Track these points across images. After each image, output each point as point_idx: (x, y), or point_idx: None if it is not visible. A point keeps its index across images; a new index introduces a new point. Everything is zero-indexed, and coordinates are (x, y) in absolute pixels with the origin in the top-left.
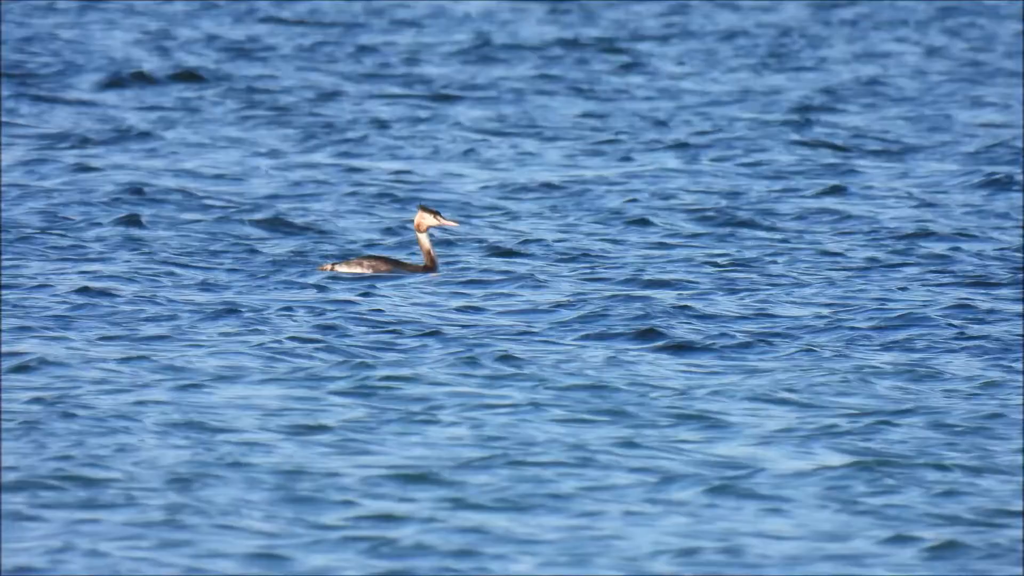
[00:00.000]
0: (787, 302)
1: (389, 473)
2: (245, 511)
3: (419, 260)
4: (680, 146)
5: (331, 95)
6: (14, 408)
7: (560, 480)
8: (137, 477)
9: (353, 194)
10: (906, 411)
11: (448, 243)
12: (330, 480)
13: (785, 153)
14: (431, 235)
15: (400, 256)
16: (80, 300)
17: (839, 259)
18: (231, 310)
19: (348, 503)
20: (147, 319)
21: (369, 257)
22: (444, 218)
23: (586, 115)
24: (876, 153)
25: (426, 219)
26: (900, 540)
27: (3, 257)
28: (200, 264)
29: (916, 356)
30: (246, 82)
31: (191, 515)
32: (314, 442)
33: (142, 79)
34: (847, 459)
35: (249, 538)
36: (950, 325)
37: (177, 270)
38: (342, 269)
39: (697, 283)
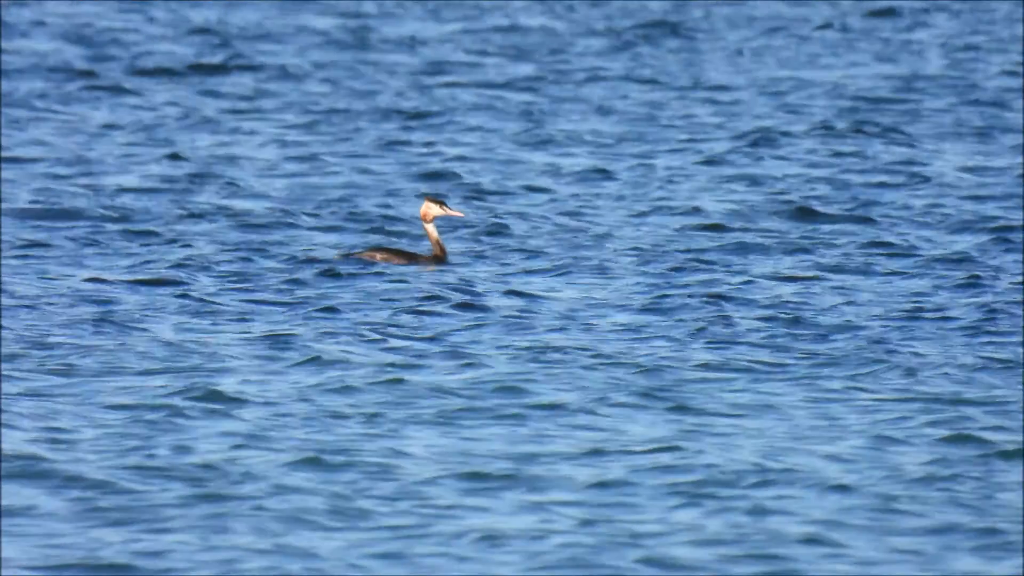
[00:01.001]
0: (847, 293)
1: (469, 470)
2: (323, 505)
3: (427, 250)
4: (739, 136)
5: (381, 84)
6: (95, 401)
7: (635, 474)
8: (213, 471)
9: (408, 184)
10: (980, 402)
11: (500, 233)
12: (411, 476)
13: (844, 143)
14: (437, 224)
15: (416, 248)
16: (146, 292)
17: (900, 249)
18: (292, 302)
19: (431, 498)
20: (212, 311)
21: (380, 248)
22: (449, 208)
23: (643, 104)
24: (935, 142)
25: (432, 209)
26: (991, 532)
27: (64, 249)
28: (258, 257)
29: (987, 345)
30: (293, 72)
31: (270, 507)
32: (389, 437)
33: (191, 70)
34: (926, 454)
35: (327, 532)
36: (1014, 315)
37: (233, 259)
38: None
39: (758, 274)
